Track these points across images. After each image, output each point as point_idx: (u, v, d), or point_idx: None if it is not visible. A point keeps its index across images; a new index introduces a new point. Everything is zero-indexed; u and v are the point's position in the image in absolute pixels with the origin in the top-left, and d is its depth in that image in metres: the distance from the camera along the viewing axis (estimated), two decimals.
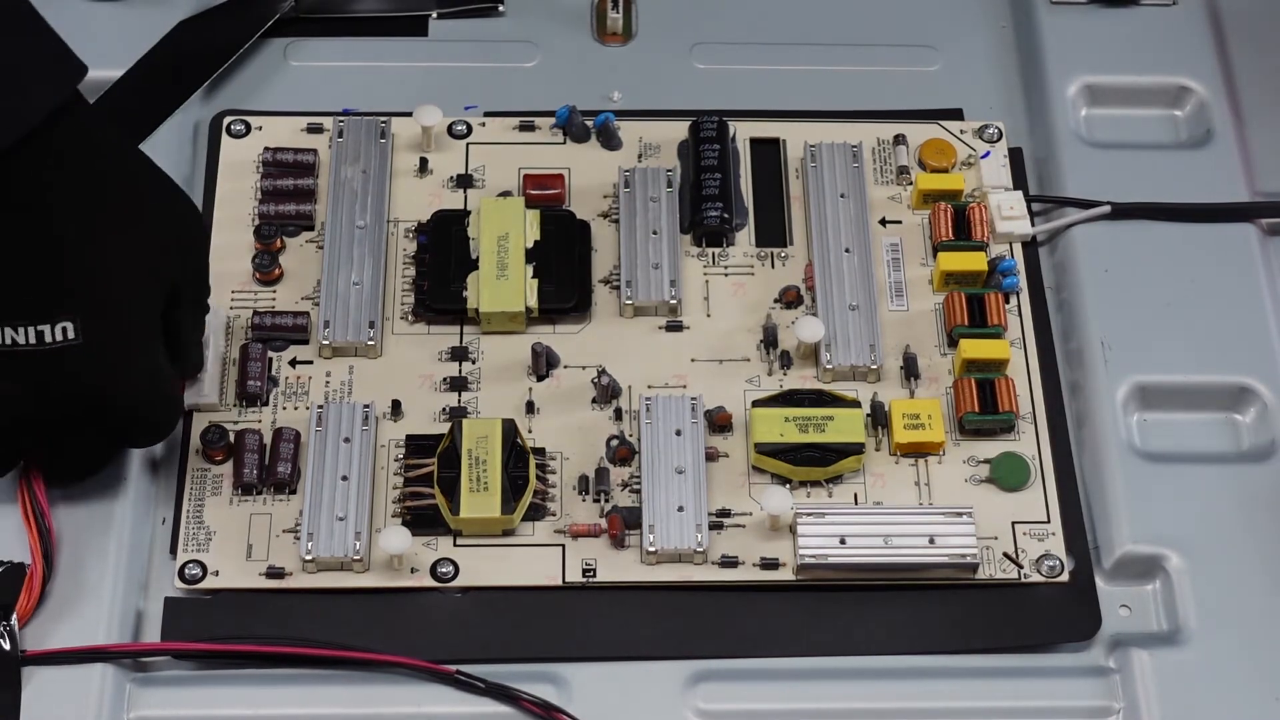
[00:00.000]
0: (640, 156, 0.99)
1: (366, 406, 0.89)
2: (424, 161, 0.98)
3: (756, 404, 0.90)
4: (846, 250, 0.95)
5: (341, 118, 0.98)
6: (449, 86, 1.01)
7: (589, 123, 0.99)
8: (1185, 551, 0.88)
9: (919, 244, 0.96)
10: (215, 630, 0.85)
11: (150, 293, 0.83)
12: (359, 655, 0.84)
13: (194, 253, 0.86)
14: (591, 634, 0.86)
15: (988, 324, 0.93)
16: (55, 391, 0.82)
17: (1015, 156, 0.99)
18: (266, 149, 0.97)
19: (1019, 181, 0.98)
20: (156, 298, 0.83)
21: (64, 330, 0.80)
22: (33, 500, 0.86)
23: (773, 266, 0.96)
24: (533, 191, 0.96)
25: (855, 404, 0.90)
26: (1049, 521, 0.89)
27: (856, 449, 0.89)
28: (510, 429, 0.88)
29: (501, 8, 1.04)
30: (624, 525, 0.87)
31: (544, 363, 0.92)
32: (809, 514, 0.87)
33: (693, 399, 0.90)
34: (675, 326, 0.94)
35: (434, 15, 1.04)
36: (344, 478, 0.87)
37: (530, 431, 0.90)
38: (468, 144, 0.99)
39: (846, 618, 0.87)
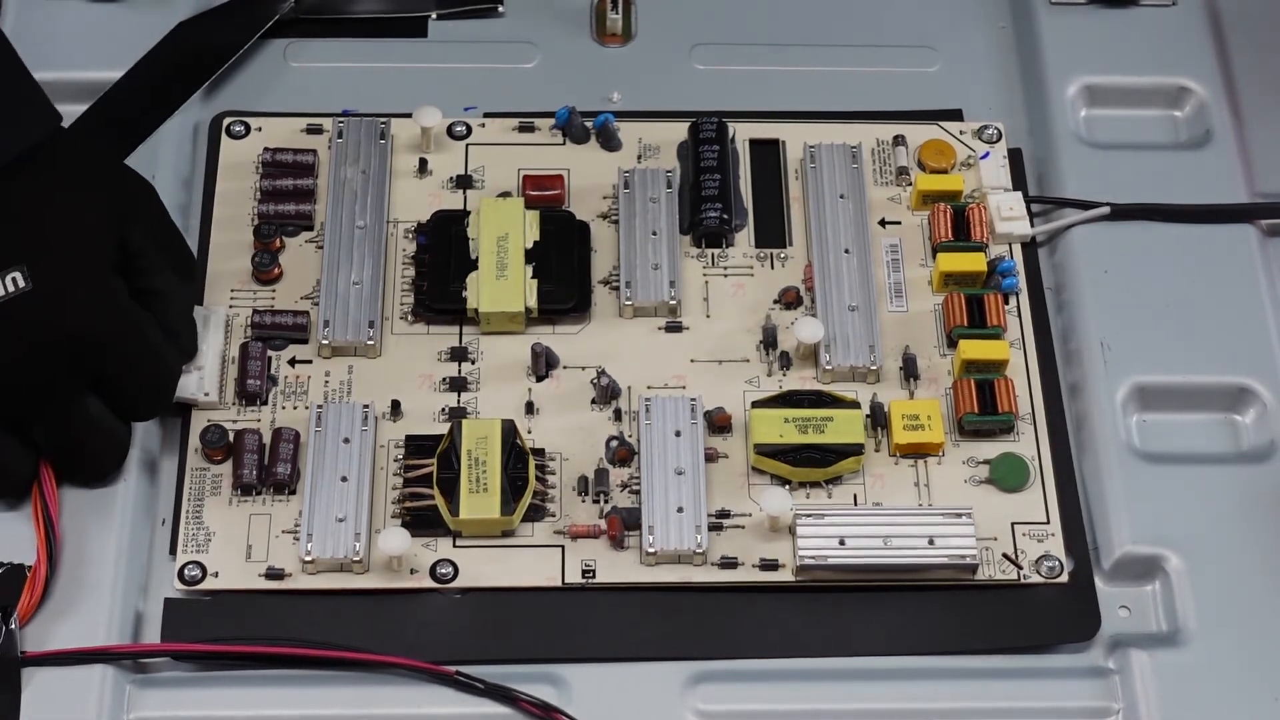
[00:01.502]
0: (640, 157, 0.99)
1: (366, 407, 0.89)
2: (423, 162, 0.98)
3: (756, 405, 0.90)
4: (846, 251, 0.95)
5: (341, 118, 0.98)
6: (448, 87, 1.01)
7: (588, 124, 0.99)
8: (1185, 552, 0.88)
9: (918, 245, 0.96)
10: (215, 631, 0.85)
11: (96, 239, 0.85)
12: (358, 656, 0.84)
13: (147, 216, 0.88)
14: (591, 635, 0.86)
15: (987, 325, 0.93)
16: (27, 344, 0.83)
17: (1015, 157, 0.99)
18: (266, 149, 0.97)
19: (1018, 182, 0.98)
20: (103, 244, 0.85)
21: (14, 280, 0.83)
22: (44, 499, 0.86)
23: (772, 267, 0.96)
24: (532, 192, 0.96)
25: (855, 405, 0.90)
26: (1048, 522, 0.89)
27: (856, 450, 0.89)
28: (510, 430, 0.88)
29: (501, 8, 1.04)
30: (623, 526, 0.87)
31: (543, 363, 0.92)
32: (808, 515, 0.87)
33: (692, 400, 0.90)
34: (675, 327, 0.94)
35: (433, 16, 1.04)
36: (343, 478, 0.87)
37: (530, 432, 0.90)
38: (467, 145, 0.99)
39: (846, 618, 0.87)
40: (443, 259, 0.94)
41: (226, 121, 0.99)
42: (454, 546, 0.87)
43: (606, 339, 0.93)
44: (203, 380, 0.90)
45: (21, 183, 0.84)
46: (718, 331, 0.93)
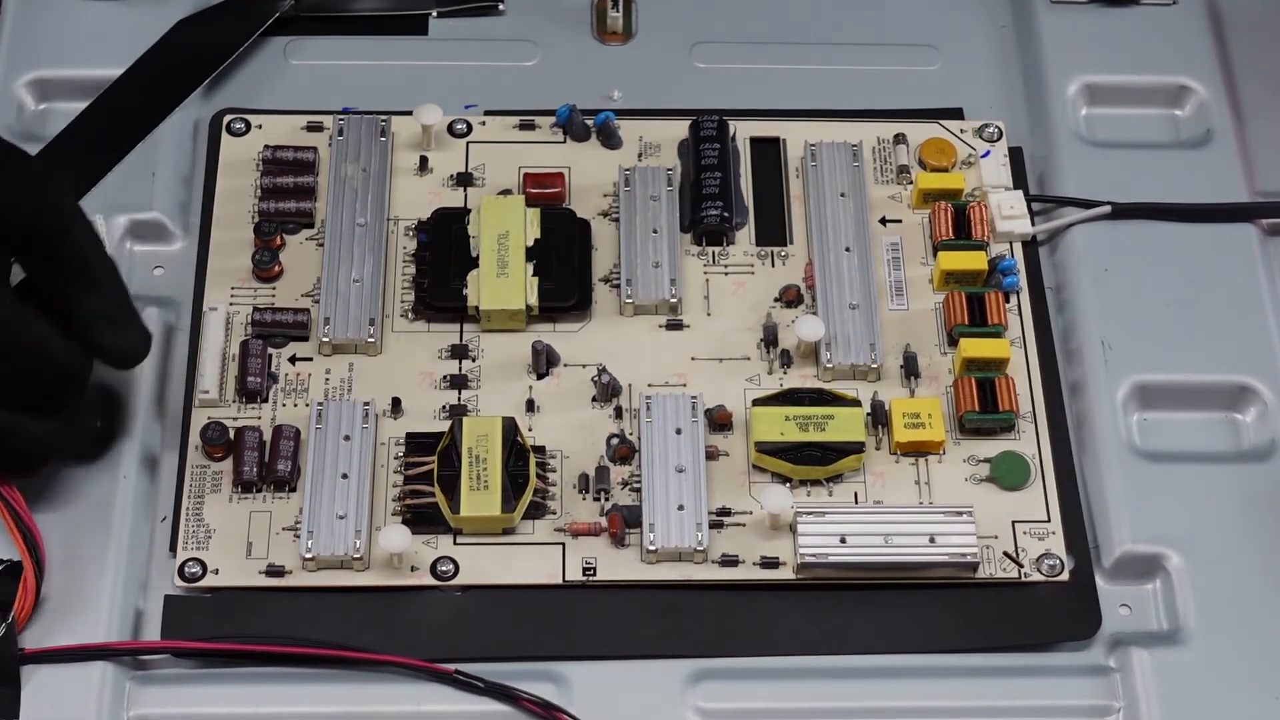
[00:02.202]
0: (640, 155, 0.99)
1: (366, 404, 0.89)
2: (424, 160, 0.98)
3: (757, 403, 0.90)
4: (847, 249, 0.95)
5: (341, 116, 0.98)
6: (449, 85, 1.01)
7: (589, 121, 0.99)
8: (1185, 551, 0.88)
9: (919, 243, 0.96)
10: (215, 629, 0.85)
11: None
12: (358, 654, 0.84)
13: (43, 242, 0.85)
14: (591, 633, 0.86)
15: (988, 323, 0.93)
16: None
17: (1015, 156, 0.99)
18: (266, 147, 0.97)
19: (1019, 181, 0.98)
20: None
21: None
22: (10, 506, 0.85)
23: (773, 265, 0.96)
24: (533, 190, 0.96)
25: (855, 403, 0.90)
26: (1049, 521, 0.89)
27: (857, 448, 0.89)
28: (510, 427, 0.88)
29: (501, 6, 1.04)
30: (624, 524, 0.87)
31: (544, 361, 0.92)
32: (809, 513, 0.87)
33: (693, 397, 0.90)
34: (675, 325, 0.93)
35: (434, 14, 1.04)
36: (344, 476, 0.87)
37: (530, 430, 0.90)
38: (468, 143, 0.99)
39: (846, 617, 0.87)
40: (443, 257, 0.94)
41: (227, 119, 0.99)
42: (454, 544, 0.87)
43: (607, 337, 0.93)
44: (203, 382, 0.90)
45: None
46: (718, 329, 0.93)
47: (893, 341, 0.93)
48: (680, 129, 0.99)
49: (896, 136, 0.99)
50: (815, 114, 1.01)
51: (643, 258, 0.94)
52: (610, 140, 0.99)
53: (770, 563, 0.87)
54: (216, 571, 0.86)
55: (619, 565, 0.87)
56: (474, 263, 0.93)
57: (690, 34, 1.04)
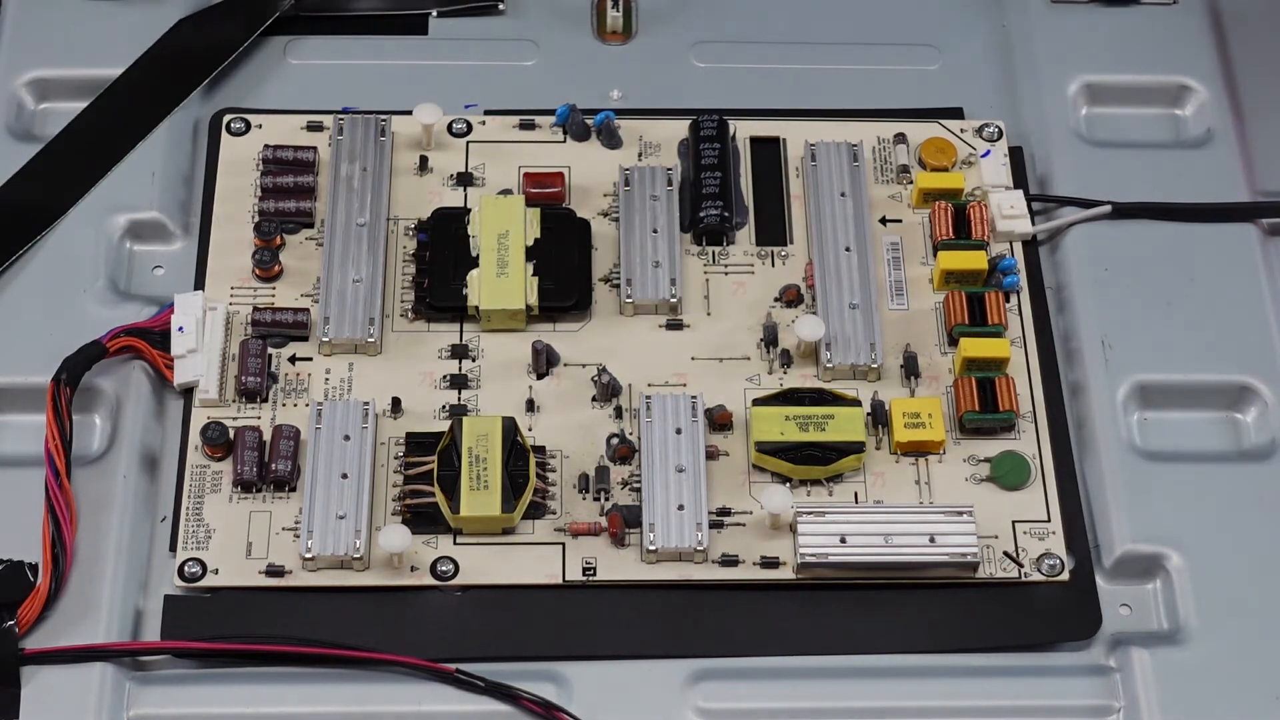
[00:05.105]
0: (640, 155, 0.99)
1: (366, 404, 0.89)
2: (424, 160, 0.98)
3: (757, 402, 0.90)
4: (846, 249, 0.95)
5: (341, 116, 0.98)
6: (449, 85, 1.01)
7: (589, 121, 0.99)
8: (1185, 551, 0.88)
9: (919, 243, 0.96)
10: (215, 629, 0.85)
11: None
12: (359, 654, 0.84)
13: None
14: (592, 633, 0.86)
15: (988, 323, 0.93)
16: None
17: (1015, 155, 0.99)
18: (266, 146, 0.97)
19: (1019, 180, 0.98)
20: None
21: None
22: (55, 519, 0.85)
23: (773, 265, 0.96)
24: (533, 190, 0.96)
25: (855, 403, 0.90)
26: (1049, 520, 0.89)
27: (857, 448, 0.89)
28: (510, 427, 0.88)
29: (502, 6, 1.04)
30: (624, 524, 0.87)
31: (544, 361, 0.92)
32: (809, 513, 0.87)
33: (693, 397, 0.90)
34: (675, 325, 0.93)
35: (434, 13, 1.04)
36: (344, 475, 0.87)
37: (530, 430, 0.90)
38: (468, 142, 0.99)
39: (847, 616, 0.86)
40: (443, 256, 0.94)
41: (227, 119, 0.99)
42: (454, 544, 0.87)
43: (607, 337, 0.93)
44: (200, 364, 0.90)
45: None
46: (718, 329, 0.93)
47: (893, 341, 0.93)
48: (680, 128, 0.99)
49: (896, 136, 0.99)
50: (815, 114, 1.00)
51: (642, 257, 0.94)
52: (610, 140, 0.99)
53: (770, 563, 0.87)
54: (216, 571, 0.86)
55: (619, 565, 0.87)
56: (474, 263, 0.93)
57: (690, 33, 1.04)
